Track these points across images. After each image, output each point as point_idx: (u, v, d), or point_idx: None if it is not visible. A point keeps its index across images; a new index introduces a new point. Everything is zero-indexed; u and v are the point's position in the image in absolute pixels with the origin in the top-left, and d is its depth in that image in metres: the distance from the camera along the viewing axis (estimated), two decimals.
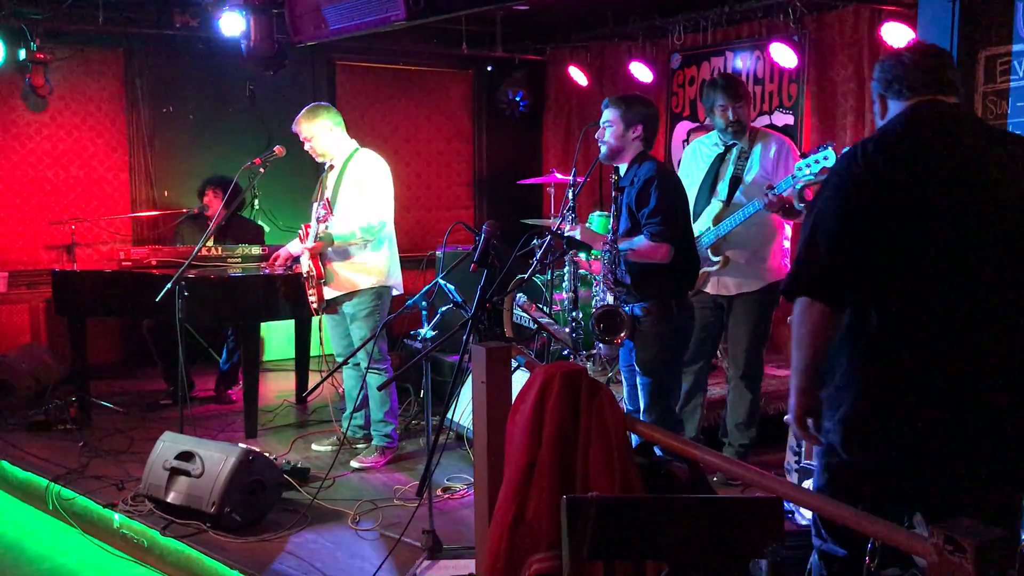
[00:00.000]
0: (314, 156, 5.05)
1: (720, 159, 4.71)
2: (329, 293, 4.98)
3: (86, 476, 4.82)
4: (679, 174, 4.48)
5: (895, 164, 2.38)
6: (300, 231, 5.03)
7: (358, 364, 5.09)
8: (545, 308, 5.72)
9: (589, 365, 5.56)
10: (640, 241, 3.88)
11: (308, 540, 4.09)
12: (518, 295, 5.34)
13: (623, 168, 4.04)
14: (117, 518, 4.36)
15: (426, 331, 5.09)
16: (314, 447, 5.26)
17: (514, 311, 5.74)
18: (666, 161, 7.12)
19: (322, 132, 4.94)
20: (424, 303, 5.44)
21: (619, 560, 2.22)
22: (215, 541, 4.03)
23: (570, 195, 4.25)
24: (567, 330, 4.30)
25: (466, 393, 4.75)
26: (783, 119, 6.63)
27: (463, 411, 5.13)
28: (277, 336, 7.35)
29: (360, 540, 4.10)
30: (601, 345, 4.09)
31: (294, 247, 5.12)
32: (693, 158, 4.85)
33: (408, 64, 8.23)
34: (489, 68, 8.48)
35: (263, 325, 6.26)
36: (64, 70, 6.80)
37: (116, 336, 7.08)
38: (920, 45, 2.67)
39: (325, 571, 3.79)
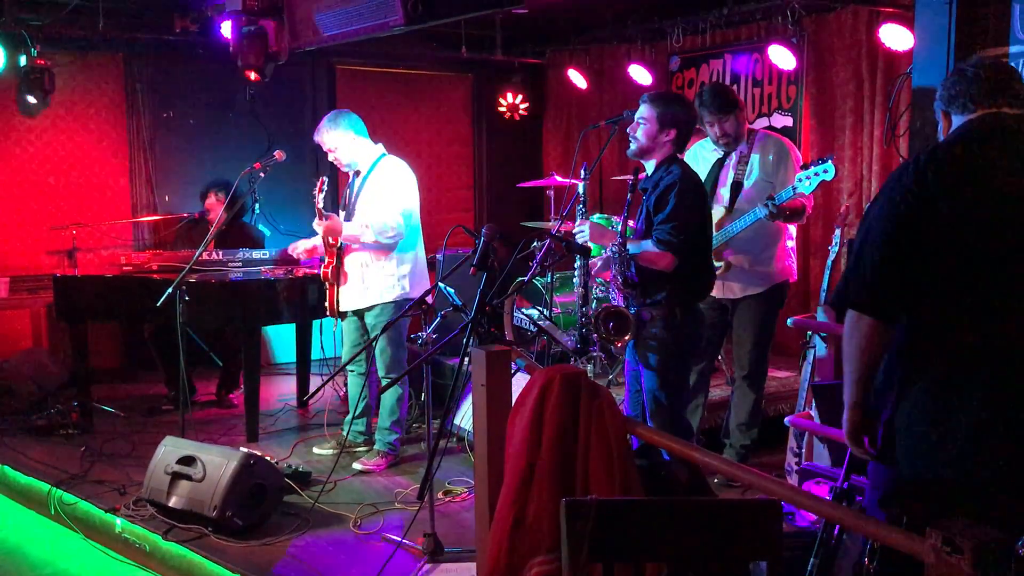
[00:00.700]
0: (339, 166, 5.02)
1: (720, 164, 4.71)
2: (352, 304, 4.96)
3: (88, 481, 4.83)
4: None
5: (946, 177, 2.36)
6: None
7: (364, 372, 5.09)
8: (545, 311, 5.72)
9: (589, 368, 5.57)
10: (647, 245, 3.83)
11: (309, 544, 4.09)
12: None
13: (649, 167, 3.95)
14: (119, 523, 4.37)
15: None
16: (315, 450, 5.27)
17: (515, 315, 5.75)
18: None
19: (345, 142, 4.91)
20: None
21: (619, 563, 2.22)
22: (217, 545, 4.04)
23: (581, 189, 4.21)
24: (578, 324, 4.21)
25: (467, 396, 4.76)
26: (782, 121, 6.64)
27: (464, 414, 5.14)
28: (279, 340, 7.36)
29: (361, 543, 4.10)
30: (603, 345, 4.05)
31: (315, 238, 5.05)
32: (694, 162, 4.85)
33: (408, 68, 8.25)
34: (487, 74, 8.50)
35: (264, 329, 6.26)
36: (65, 76, 6.81)
37: (117, 341, 7.08)
38: (984, 59, 2.64)
39: (326, 575, 3.79)
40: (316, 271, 5.29)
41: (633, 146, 3.93)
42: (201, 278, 5.39)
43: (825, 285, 4.76)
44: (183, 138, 7.34)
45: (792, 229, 4.85)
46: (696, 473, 3.18)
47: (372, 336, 4.94)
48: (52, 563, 4.44)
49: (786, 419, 4.46)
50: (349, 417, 5.20)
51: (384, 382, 4.93)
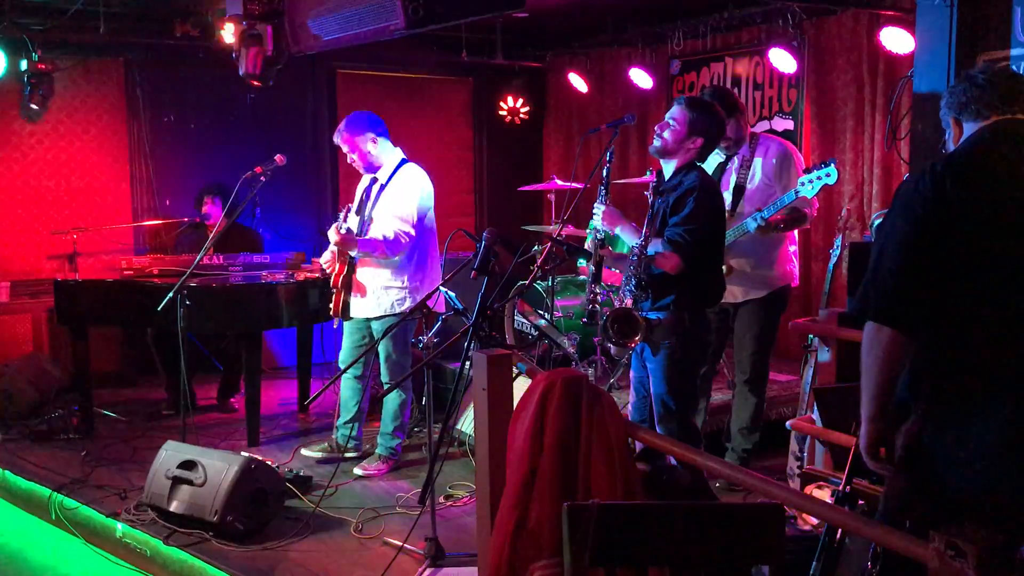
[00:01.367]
0: (359, 169, 4.99)
1: (722, 168, 4.71)
2: (363, 312, 4.95)
3: (89, 485, 4.82)
4: None
5: (963, 185, 2.33)
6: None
7: (360, 376, 5.09)
8: (546, 315, 5.72)
9: (590, 372, 5.57)
10: (658, 246, 3.79)
11: (311, 548, 4.09)
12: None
13: (667, 169, 3.91)
14: (120, 527, 4.36)
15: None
16: (303, 452, 5.22)
17: (515, 318, 5.75)
18: None
19: (365, 145, 4.88)
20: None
21: (621, 567, 2.21)
22: (218, 550, 4.03)
23: (604, 173, 4.09)
24: (592, 294, 4.11)
25: (468, 400, 4.75)
26: (783, 124, 6.65)
27: (465, 418, 5.13)
28: (280, 344, 7.36)
29: (363, 548, 4.10)
30: (611, 347, 4.01)
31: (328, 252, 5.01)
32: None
33: (409, 72, 8.25)
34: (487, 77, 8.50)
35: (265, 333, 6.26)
36: (65, 80, 6.82)
37: (118, 345, 7.07)
38: (992, 66, 2.63)
39: None
40: (317, 275, 5.28)
41: (657, 144, 3.88)
42: (202, 282, 5.39)
43: (827, 289, 4.75)
44: (184, 143, 7.34)
45: (795, 234, 4.85)
46: (698, 477, 3.18)
47: (374, 342, 4.93)
48: (53, 568, 4.44)
49: (788, 423, 4.45)
50: (341, 420, 5.19)
51: (385, 386, 4.92)
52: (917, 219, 2.36)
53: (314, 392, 6.04)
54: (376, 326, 4.96)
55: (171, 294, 4.91)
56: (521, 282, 4.85)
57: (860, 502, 3.15)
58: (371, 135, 4.89)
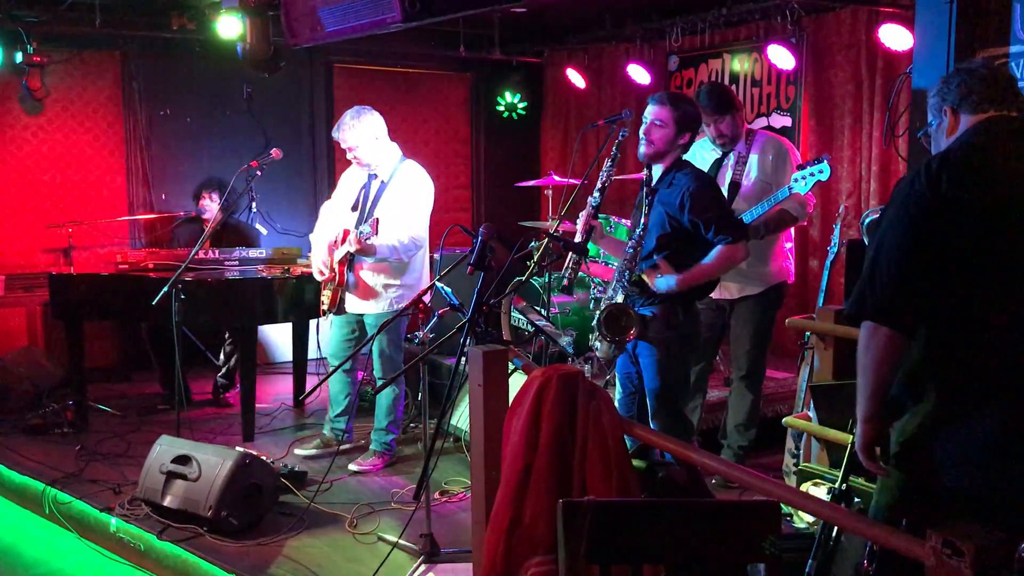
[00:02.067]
0: (357, 164, 4.94)
1: (718, 164, 4.70)
2: (360, 309, 4.94)
3: (83, 480, 4.80)
4: None
5: (961, 182, 2.32)
6: (338, 235, 4.90)
7: (348, 370, 5.08)
8: (543, 311, 5.71)
9: (586, 368, 5.56)
10: (713, 254, 3.77)
11: (305, 544, 4.08)
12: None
13: (656, 171, 3.89)
14: (114, 522, 4.35)
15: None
16: (296, 451, 5.20)
17: (512, 314, 5.73)
18: None
19: (367, 141, 4.84)
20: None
21: (616, 564, 2.20)
22: (212, 545, 4.02)
23: (605, 176, 4.05)
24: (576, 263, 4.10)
25: (463, 396, 4.74)
26: (781, 121, 6.63)
27: (460, 414, 5.12)
28: (275, 339, 7.35)
29: (357, 544, 4.09)
30: (599, 345, 3.99)
31: (338, 252, 4.92)
32: (694, 161, 4.83)
33: (406, 67, 8.23)
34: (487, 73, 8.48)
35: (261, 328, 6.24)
36: (61, 73, 6.79)
37: (113, 339, 7.06)
38: (989, 61, 2.62)
39: (322, 575, 3.77)
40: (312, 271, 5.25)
41: (646, 149, 3.81)
42: (197, 277, 5.37)
43: (824, 286, 4.75)
44: (180, 136, 7.32)
45: (791, 231, 4.84)
46: (694, 474, 3.17)
47: (370, 336, 4.92)
48: (46, 562, 4.43)
49: (784, 420, 4.45)
50: (331, 414, 5.18)
51: (379, 382, 4.91)
52: (913, 217, 2.34)
53: (309, 387, 6.04)
54: (369, 320, 4.95)
55: (166, 288, 4.89)
56: (518, 278, 4.84)
57: (856, 500, 3.14)
58: (374, 131, 4.86)
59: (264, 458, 4.45)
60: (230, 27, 6.07)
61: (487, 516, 2.89)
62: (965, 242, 2.31)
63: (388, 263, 4.85)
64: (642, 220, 3.86)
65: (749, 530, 2.17)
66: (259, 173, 5.23)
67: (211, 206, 6.38)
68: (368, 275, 4.90)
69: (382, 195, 4.89)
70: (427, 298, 4.49)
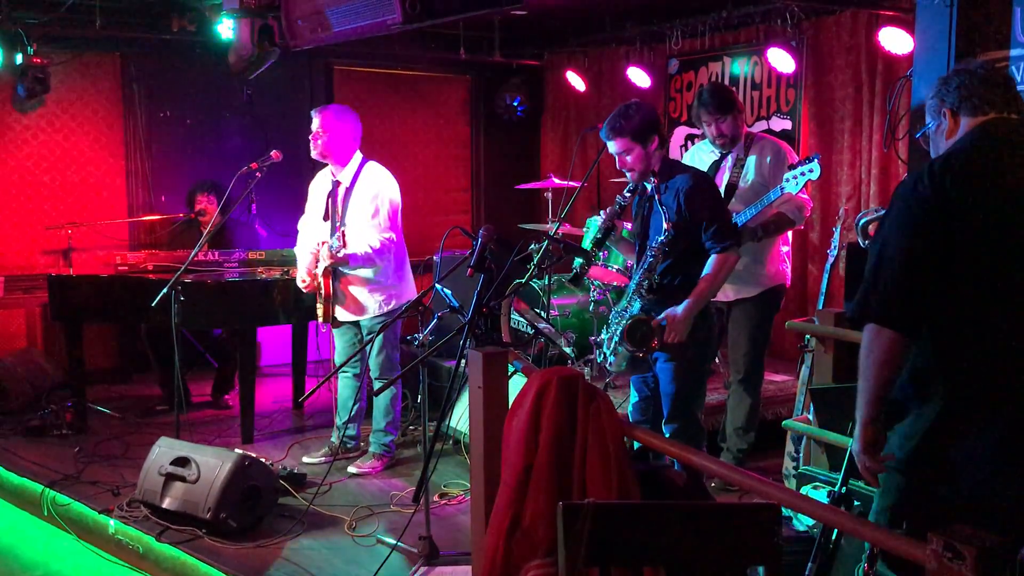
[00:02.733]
0: (313, 150, 4.91)
1: (716, 167, 4.71)
2: (344, 316, 4.95)
3: (81, 482, 4.80)
4: None
5: (963, 185, 2.32)
6: (317, 247, 4.90)
7: (358, 374, 5.07)
8: (542, 313, 5.70)
9: (586, 370, 5.55)
10: (709, 266, 3.80)
11: (304, 546, 4.07)
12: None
13: (649, 182, 3.91)
14: (112, 524, 4.34)
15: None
16: (305, 460, 5.17)
17: (512, 316, 5.73)
18: None
19: (339, 135, 4.84)
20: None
21: (616, 567, 2.20)
22: (211, 547, 4.01)
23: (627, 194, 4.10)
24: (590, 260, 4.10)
25: (463, 399, 4.74)
26: (781, 124, 6.63)
27: (460, 416, 5.11)
28: (274, 341, 7.34)
29: (356, 546, 4.08)
30: (613, 359, 4.00)
31: (316, 264, 4.92)
32: (693, 163, 4.84)
33: (406, 69, 8.23)
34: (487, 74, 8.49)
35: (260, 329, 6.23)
36: (61, 74, 6.79)
37: (112, 341, 7.05)
38: (988, 62, 2.61)
39: None
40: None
41: (632, 176, 3.90)
42: (196, 278, 5.37)
43: (824, 289, 4.74)
44: (180, 138, 7.32)
45: (788, 234, 4.85)
46: (693, 477, 3.16)
47: (368, 339, 4.91)
48: (45, 564, 4.42)
49: (784, 423, 4.44)
50: (340, 421, 5.17)
51: (377, 384, 4.91)
52: (916, 220, 2.34)
53: (308, 389, 6.03)
54: (365, 323, 4.95)
55: (165, 290, 4.89)
56: (517, 280, 4.84)
57: (856, 503, 3.14)
58: (350, 132, 4.89)
59: (263, 460, 4.45)
60: (230, 29, 6.07)
61: (487, 518, 2.88)
62: (968, 244, 2.30)
63: (366, 270, 4.87)
64: (639, 226, 3.89)
65: (749, 533, 2.16)
66: (259, 175, 5.22)
67: (208, 207, 6.38)
68: (352, 287, 4.93)
69: (349, 202, 4.89)
70: (405, 298, 4.52)
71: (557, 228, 4.95)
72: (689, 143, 7.12)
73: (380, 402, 5.01)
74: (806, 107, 6.46)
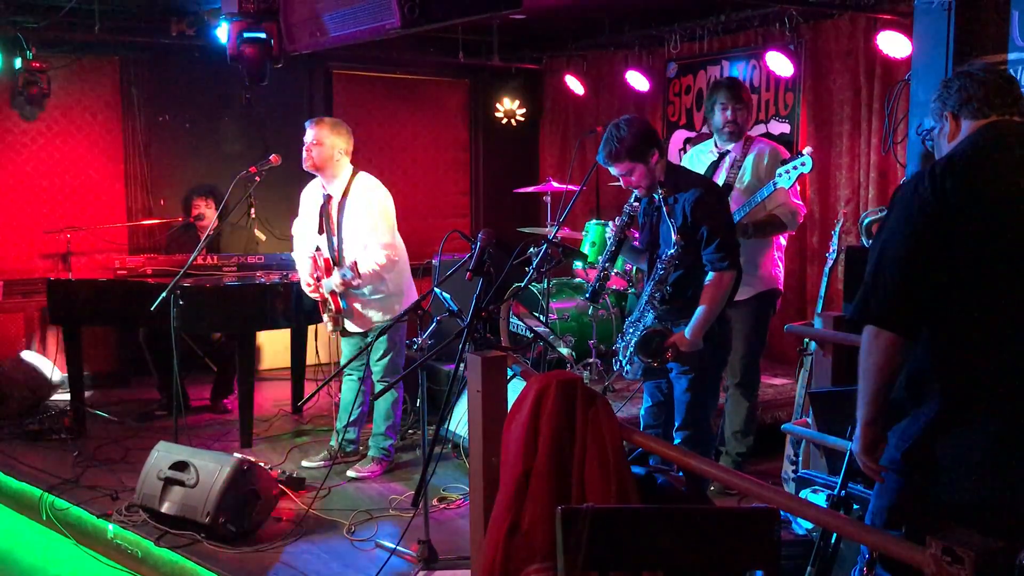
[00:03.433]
0: (305, 161, 4.88)
1: (714, 167, 4.72)
2: (353, 328, 4.97)
3: (80, 486, 4.79)
4: None
5: (965, 187, 2.32)
6: (315, 254, 4.93)
7: (361, 378, 5.07)
8: (541, 317, 5.70)
9: (585, 374, 5.55)
10: (707, 287, 3.80)
11: (303, 550, 4.07)
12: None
13: (657, 193, 3.89)
14: (111, 528, 4.34)
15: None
16: (304, 464, 5.16)
17: (511, 320, 5.73)
18: None
19: (332, 148, 4.83)
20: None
21: (615, 571, 2.20)
22: (209, 551, 4.01)
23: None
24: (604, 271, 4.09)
25: (462, 402, 4.73)
26: (779, 128, 6.64)
27: (459, 420, 5.11)
28: (273, 345, 7.33)
29: (355, 550, 4.08)
30: (629, 368, 4.02)
31: (315, 269, 4.94)
32: (691, 164, 4.85)
33: (405, 73, 8.24)
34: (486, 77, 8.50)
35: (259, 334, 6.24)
36: (60, 79, 6.79)
37: (111, 345, 7.05)
38: (988, 64, 2.61)
39: None
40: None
41: (639, 192, 3.90)
42: (195, 283, 5.37)
43: (823, 292, 4.75)
44: (179, 142, 7.31)
45: (782, 239, 4.85)
46: (692, 481, 3.16)
47: (371, 340, 4.92)
48: (43, 569, 4.42)
49: (783, 426, 4.44)
50: (341, 424, 5.16)
51: (378, 387, 4.91)
52: (916, 222, 2.34)
53: (307, 393, 6.02)
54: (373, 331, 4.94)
55: (164, 294, 4.88)
56: (517, 284, 4.83)
57: (855, 507, 3.14)
58: (344, 145, 4.87)
59: (262, 464, 4.44)
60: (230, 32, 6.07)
61: (485, 522, 2.88)
62: (968, 247, 2.30)
63: (372, 286, 4.89)
64: (648, 235, 3.89)
65: (748, 537, 2.16)
66: (258, 179, 5.22)
67: (207, 212, 6.38)
68: (357, 304, 4.94)
69: (343, 216, 4.88)
70: (404, 304, 4.53)
71: (556, 232, 4.95)
72: (688, 146, 7.12)
73: (380, 406, 5.00)
74: (805, 111, 6.47)
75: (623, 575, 2.48)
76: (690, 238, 3.78)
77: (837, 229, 4.81)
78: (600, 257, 4.13)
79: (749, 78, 6.83)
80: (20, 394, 6.12)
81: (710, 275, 3.81)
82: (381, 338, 4.85)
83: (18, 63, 6.43)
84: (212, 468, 4.17)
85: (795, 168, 4.27)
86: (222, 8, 5.51)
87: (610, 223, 4.10)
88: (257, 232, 6.55)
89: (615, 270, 5.51)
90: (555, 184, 6.44)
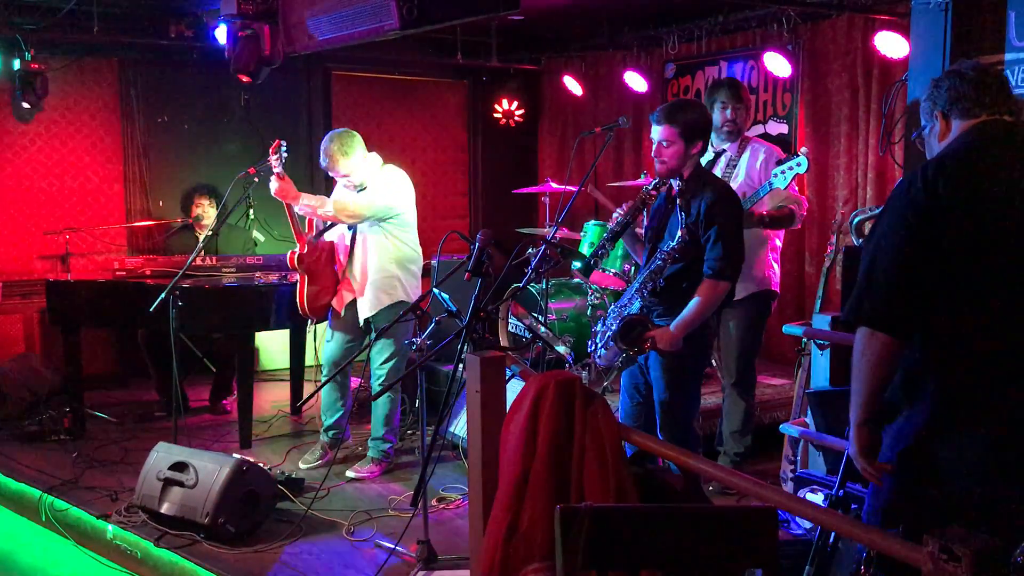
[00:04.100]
0: (349, 188, 4.95)
1: (710, 167, 4.72)
2: (364, 311, 4.97)
3: (80, 487, 4.80)
4: None
5: (957, 187, 2.32)
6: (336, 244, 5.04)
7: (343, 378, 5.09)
8: (540, 317, 5.70)
9: (583, 374, 5.55)
10: (698, 291, 3.75)
11: (302, 551, 4.07)
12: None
13: (675, 182, 3.86)
14: (111, 529, 4.34)
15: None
16: (302, 464, 5.15)
17: (509, 320, 5.73)
18: None
19: (358, 163, 4.88)
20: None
21: (613, 570, 2.20)
22: (209, 552, 4.01)
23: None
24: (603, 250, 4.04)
25: (461, 403, 4.74)
26: (777, 128, 6.65)
27: (458, 421, 5.12)
28: (272, 346, 7.34)
29: (355, 551, 4.08)
30: (603, 352, 3.99)
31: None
32: None
33: (404, 74, 8.24)
34: (484, 78, 8.50)
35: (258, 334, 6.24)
36: (59, 80, 6.79)
37: (110, 346, 7.05)
38: (979, 63, 2.61)
39: None
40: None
41: (660, 168, 3.82)
42: (194, 283, 5.37)
43: (820, 293, 4.76)
44: (178, 143, 7.32)
45: (777, 241, 4.86)
46: (691, 480, 3.17)
47: (373, 340, 4.92)
48: (43, 570, 4.42)
49: (781, 426, 4.45)
50: (326, 423, 5.16)
51: (376, 389, 4.91)
52: (909, 223, 2.35)
53: (306, 394, 6.02)
54: (378, 321, 4.92)
55: (163, 295, 4.89)
56: (515, 284, 4.83)
57: (853, 506, 3.15)
58: (360, 152, 4.90)
59: (261, 465, 4.45)
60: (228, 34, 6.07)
61: (485, 522, 2.88)
62: (961, 247, 2.31)
63: (374, 258, 4.91)
64: (656, 225, 3.86)
65: (747, 536, 2.17)
66: (256, 180, 5.23)
67: (208, 212, 6.38)
68: (361, 272, 4.96)
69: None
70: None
71: (555, 232, 4.95)
72: None
73: (380, 410, 5.00)
74: (802, 111, 6.48)
75: (622, 574, 2.49)
76: (696, 236, 3.77)
77: (835, 230, 4.82)
78: (603, 236, 4.10)
79: (747, 79, 6.84)
80: (19, 395, 6.11)
81: (706, 279, 3.77)
82: (387, 341, 4.86)
83: (17, 64, 6.43)
84: (211, 469, 4.18)
85: (791, 168, 4.27)
86: (221, 9, 5.52)
87: (618, 209, 4.06)
88: (256, 233, 6.55)
89: (612, 270, 5.52)
90: (554, 185, 6.44)
